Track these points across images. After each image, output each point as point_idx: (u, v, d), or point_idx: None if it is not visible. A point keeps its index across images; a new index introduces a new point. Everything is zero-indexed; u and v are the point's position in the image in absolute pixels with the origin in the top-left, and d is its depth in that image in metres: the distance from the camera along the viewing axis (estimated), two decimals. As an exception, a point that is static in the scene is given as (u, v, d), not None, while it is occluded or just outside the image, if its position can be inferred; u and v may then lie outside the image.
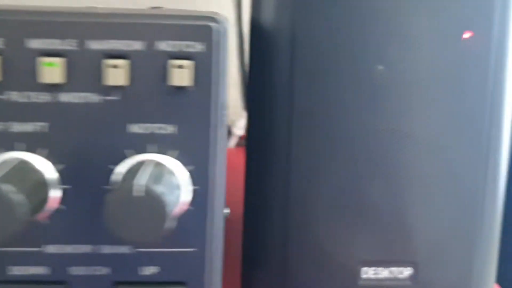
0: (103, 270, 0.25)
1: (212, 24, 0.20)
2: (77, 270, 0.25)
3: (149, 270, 0.25)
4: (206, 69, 0.21)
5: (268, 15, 0.39)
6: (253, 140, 0.41)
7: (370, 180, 0.39)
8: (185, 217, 0.23)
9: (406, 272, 0.41)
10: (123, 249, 0.25)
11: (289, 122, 0.39)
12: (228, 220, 0.55)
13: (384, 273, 0.41)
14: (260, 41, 0.39)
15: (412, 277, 0.41)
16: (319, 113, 0.39)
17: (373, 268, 0.41)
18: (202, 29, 0.20)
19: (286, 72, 0.38)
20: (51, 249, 0.25)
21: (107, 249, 0.25)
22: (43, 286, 0.25)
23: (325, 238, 0.40)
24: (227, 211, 0.36)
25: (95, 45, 0.22)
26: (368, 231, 0.40)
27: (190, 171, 0.22)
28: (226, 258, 0.49)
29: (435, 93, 0.39)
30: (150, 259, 0.25)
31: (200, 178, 0.22)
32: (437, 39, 0.38)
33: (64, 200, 0.24)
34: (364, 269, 0.40)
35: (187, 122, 0.21)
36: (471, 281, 0.42)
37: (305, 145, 0.39)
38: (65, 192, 0.24)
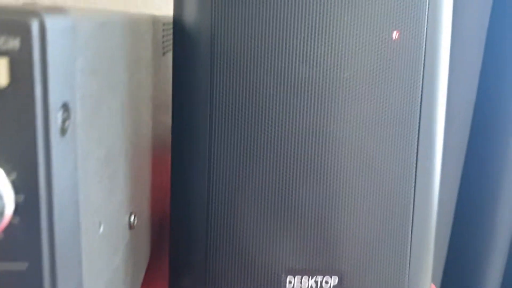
0: None
1: (31, 19, 0.18)
2: None
3: None
4: (25, 67, 0.19)
5: (189, 14, 0.38)
6: (175, 142, 0.40)
7: (295, 184, 0.38)
8: (10, 231, 0.21)
9: (331, 281, 0.39)
10: None
11: (210, 122, 0.38)
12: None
13: (309, 282, 0.39)
14: (182, 39, 0.38)
15: (337, 287, 0.39)
16: (239, 113, 0.37)
17: (298, 277, 0.39)
18: (18, 24, 0.18)
19: (206, 71, 0.37)
20: None
21: None
22: None
23: (248, 245, 0.38)
24: (131, 218, 0.35)
25: None
26: (293, 238, 0.39)
27: (12, 180, 0.20)
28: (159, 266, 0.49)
29: (361, 94, 0.37)
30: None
31: (26, 186, 0.20)
32: (364, 38, 0.37)
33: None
34: (289, 278, 0.39)
35: (6, 125, 0.19)
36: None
37: (225, 147, 0.38)
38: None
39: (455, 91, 0.59)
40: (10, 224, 0.20)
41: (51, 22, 0.18)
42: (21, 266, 0.22)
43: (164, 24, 0.50)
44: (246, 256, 0.38)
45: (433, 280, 0.54)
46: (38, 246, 0.20)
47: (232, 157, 0.37)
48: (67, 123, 0.20)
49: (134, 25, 0.35)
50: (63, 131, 0.20)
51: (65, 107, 0.20)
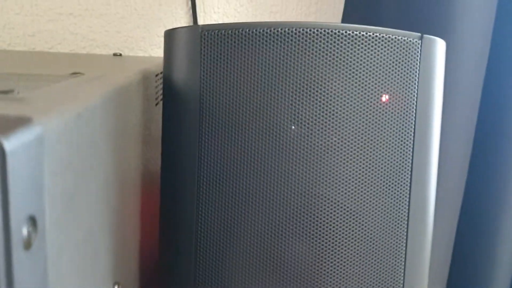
0: None
1: None
2: None
3: None
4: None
5: (178, 71, 0.38)
6: (164, 196, 0.40)
7: (283, 244, 0.38)
8: None
9: None
10: None
11: (198, 179, 0.38)
12: None
13: None
14: (172, 95, 0.39)
15: None
16: (227, 172, 0.37)
17: None
18: None
19: (194, 127, 0.37)
20: None
21: None
22: None
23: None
24: None
25: None
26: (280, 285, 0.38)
27: None
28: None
29: (351, 156, 0.37)
30: None
31: None
32: (354, 100, 0.37)
33: None
34: None
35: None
36: None
37: (213, 206, 0.38)
38: None
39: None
40: None
41: (11, 144, 0.18)
42: None
43: (157, 75, 0.50)
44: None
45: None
46: None
47: (220, 212, 0.37)
48: (33, 236, 0.20)
49: (121, 93, 0.35)
50: (28, 244, 0.20)
51: (32, 221, 0.20)
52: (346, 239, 0.38)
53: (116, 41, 0.75)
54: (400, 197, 0.38)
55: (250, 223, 0.37)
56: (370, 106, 0.37)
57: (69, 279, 0.25)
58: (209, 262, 0.38)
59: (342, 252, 0.38)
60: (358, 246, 0.38)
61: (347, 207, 0.37)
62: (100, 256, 0.31)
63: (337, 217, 0.37)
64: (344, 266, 0.38)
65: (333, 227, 0.37)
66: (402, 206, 0.38)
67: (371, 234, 0.38)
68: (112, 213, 0.33)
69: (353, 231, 0.38)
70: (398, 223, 0.39)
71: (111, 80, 0.35)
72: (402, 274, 0.39)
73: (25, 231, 0.20)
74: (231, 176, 0.37)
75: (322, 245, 0.38)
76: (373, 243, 0.38)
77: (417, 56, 0.38)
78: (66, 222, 0.25)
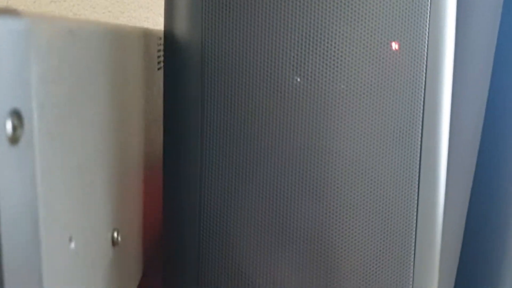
0: None
1: None
2: None
3: None
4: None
5: (179, 28, 0.37)
6: (167, 156, 0.39)
7: (291, 201, 0.36)
8: None
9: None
10: None
11: (202, 137, 0.37)
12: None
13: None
14: (173, 52, 0.38)
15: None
16: (232, 128, 0.36)
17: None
18: None
19: (197, 84, 0.36)
20: None
21: None
22: None
23: (242, 265, 0.37)
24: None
25: None
26: (289, 258, 0.37)
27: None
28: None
29: (359, 106, 0.36)
30: None
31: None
32: (362, 48, 0.35)
33: None
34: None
35: None
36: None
37: (218, 163, 0.36)
38: None
39: (464, 97, 0.57)
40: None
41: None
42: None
43: (160, 39, 0.49)
44: (240, 276, 0.37)
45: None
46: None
47: (225, 173, 0.36)
48: (18, 131, 0.19)
49: (118, 37, 0.34)
50: (14, 139, 0.19)
51: (16, 115, 0.19)
52: (355, 195, 0.36)
53: (120, 21, 0.74)
54: (411, 150, 0.37)
55: (256, 180, 0.36)
56: (379, 53, 0.35)
57: (61, 200, 0.24)
58: (214, 221, 0.37)
59: (351, 209, 0.36)
60: (367, 203, 0.37)
61: (356, 161, 0.36)
62: (96, 194, 0.30)
63: (346, 172, 0.36)
64: (353, 224, 0.37)
65: (342, 182, 0.36)
66: (413, 159, 0.37)
67: (381, 189, 0.37)
68: (109, 153, 0.32)
69: (362, 186, 0.36)
70: (409, 179, 0.37)
71: (109, 24, 0.34)
72: (414, 231, 0.38)
73: (9, 124, 0.19)
74: (235, 132, 0.36)
75: (331, 202, 0.36)
76: (383, 200, 0.37)
77: (427, 2, 0.36)
78: (59, 138, 0.24)
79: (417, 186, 0.37)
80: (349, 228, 0.36)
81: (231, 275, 0.37)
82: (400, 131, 0.36)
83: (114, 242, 0.33)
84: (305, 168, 0.36)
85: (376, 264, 0.37)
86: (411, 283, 0.38)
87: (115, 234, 0.33)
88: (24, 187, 0.20)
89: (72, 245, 0.26)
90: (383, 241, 0.37)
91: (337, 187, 0.36)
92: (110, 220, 0.33)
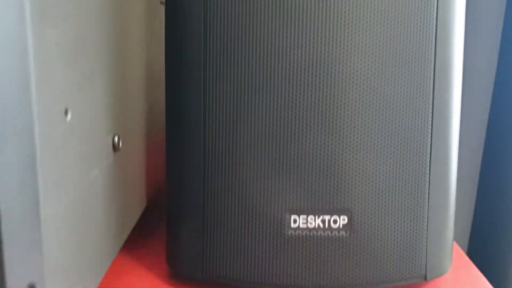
0: None
1: None
2: None
3: None
4: None
5: None
6: (169, 86, 0.37)
7: (300, 121, 0.34)
8: None
9: (340, 221, 0.35)
10: None
11: (204, 62, 0.34)
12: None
13: (316, 222, 0.35)
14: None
15: (347, 227, 0.35)
16: (236, 50, 0.34)
17: (303, 216, 0.35)
18: None
19: (199, 16, 0.34)
20: None
21: None
22: None
23: (248, 183, 0.35)
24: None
25: None
26: (297, 175, 0.35)
27: None
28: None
29: (372, 20, 0.34)
30: None
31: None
32: None
33: None
34: (293, 217, 0.35)
35: None
36: (418, 236, 0.36)
37: (221, 86, 0.34)
38: None
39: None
40: None
41: None
42: None
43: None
44: (247, 196, 0.35)
45: (459, 243, 0.49)
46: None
47: (230, 97, 0.34)
48: None
49: None
50: None
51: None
52: (366, 111, 0.34)
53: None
54: (425, 68, 0.35)
55: (263, 99, 0.34)
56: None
57: (56, 71, 0.23)
58: (219, 142, 0.35)
59: (363, 126, 0.35)
60: (379, 118, 0.35)
61: (368, 77, 0.34)
62: (94, 79, 0.28)
63: (358, 89, 0.34)
64: (365, 141, 0.35)
65: (353, 99, 0.34)
66: (427, 77, 0.35)
67: (395, 113, 0.34)
68: (112, 51, 0.30)
69: (373, 103, 0.34)
70: (424, 103, 0.35)
71: None
72: (429, 150, 0.35)
73: None
74: (239, 54, 0.34)
75: (342, 117, 0.34)
76: (396, 115, 0.35)
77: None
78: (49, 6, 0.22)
79: (431, 101, 0.35)
80: (360, 145, 0.35)
81: (237, 195, 0.35)
82: (414, 48, 0.35)
83: (115, 147, 0.31)
84: (315, 85, 0.34)
85: (388, 182, 0.35)
86: (426, 208, 0.36)
87: (116, 139, 0.31)
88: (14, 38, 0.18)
89: (68, 117, 0.24)
90: (397, 158, 0.35)
91: (349, 104, 0.34)
92: (111, 121, 0.31)
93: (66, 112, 0.25)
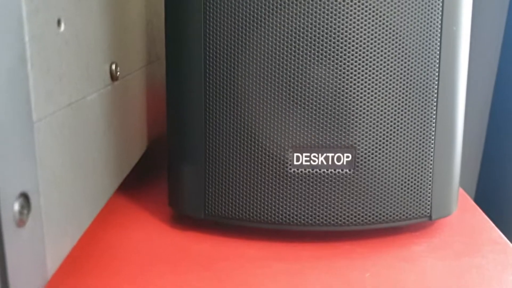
0: None
1: None
2: None
3: None
4: None
5: None
6: (168, 15, 0.36)
7: (304, 56, 0.33)
8: None
9: (344, 158, 0.34)
10: None
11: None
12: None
13: (319, 159, 0.34)
14: None
15: (350, 164, 0.34)
16: None
17: (306, 154, 0.34)
18: None
19: None
20: None
21: None
22: None
23: (249, 121, 0.34)
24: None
25: None
26: (300, 112, 0.34)
27: None
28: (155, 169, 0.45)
29: None
30: None
31: None
32: None
33: None
34: (296, 155, 0.34)
35: None
36: (424, 175, 0.35)
37: (222, 13, 0.33)
38: None
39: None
40: None
41: None
42: None
43: None
44: (249, 134, 0.34)
45: (467, 190, 0.49)
46: None
47: (231, 28, 0.33)
48: None
49: None
50: None
51: None
52: (370, 43, 0.33)
53: None
54: (433, 9, 0.33)
55: (265, 29, 0.33)
56: None
57: None
58: (220, 75, 0.34)
59: (365, 60, 0.33)
60: (383, 51, 0.34)
61: (379, 21, 0.33)
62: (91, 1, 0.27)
63: (363, 20, 0.33)
64: (368, 76, 0.34)
65: (358, 31, 0.33)
66: (436, 8, 0.34)
67: (401, 50, 0.33)
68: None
69: (378, 34, 0.33)
70: (431, 27, 0.34)
71: None
72: (436, 86, 0.35)
73: None
74: None
75: (344, 51, 0.33)
76: (402, 49, 0.34)
77: None
78: None
79: (439, 34, 0.34)
80: (364, 80, 0.34)
81: (238, 133, 0.34)
82: None
83: (112, 76, 0.30)
84: (319, 17, 0.33)
85: (394, 119, 0.34)
86: (432, 147, 0.35)
87: (114, 67, 0.30)
88: None
89: (62, 28, 0.23)
90: (402, 93, 0.34)
91: (352, 36, 0.33)
92: (107, 46, 0.30)
93: (59, 22, 0.24)
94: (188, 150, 0.36)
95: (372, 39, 0.33)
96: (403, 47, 0.33)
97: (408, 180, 0.35)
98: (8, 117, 0.19)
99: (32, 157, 0.21)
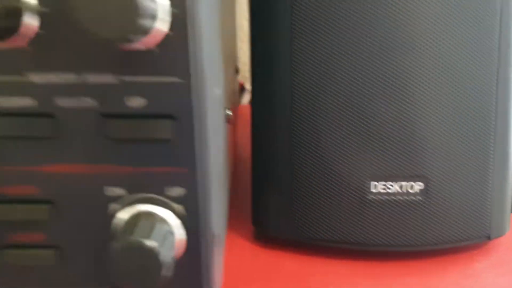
0: (89, 102, 0.24)
1: None
2: (63, 102, 0.24)
3: (136, 102, 0.24)
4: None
5: None
6: (255, 48, 0.41)
7: (377, 95, 0.38)
8: (167, 44, 0.22)
9: (416, 186, 0.39)
10: (109, 78, 0.24)
11: (291, 39, 0.38)
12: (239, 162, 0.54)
13: (394, 187, 0.39)
14: None
15: (423, 192, 0.39)
16: (320, 26, 0.37)
17: (383, 183, 0.39)
18: None
19: None
20: (35, 78, 0.24)
21: (92, 78, 0.24)
22: (30, 118, 0.24)
23: (331, 154, 0.39)
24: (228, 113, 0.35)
25: None
26: (376, 145, 0.39)
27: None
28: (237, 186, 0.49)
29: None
30: (137, 91, 0.24)
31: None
32: None
33: (43, 25, 0.23)
34: (373, 184, 0.39)
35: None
36: (484, 197, 0.40)
37: (307, 60, 0.37)
38: (43, 16, 0.23)
39: None
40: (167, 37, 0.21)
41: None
42: (173, 79, 0.22)
43: None
44: (330, 167, 0.39)
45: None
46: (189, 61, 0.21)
47: (313, 74, 0.37)
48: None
49: None
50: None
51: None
52: (436, 83, 0.37)
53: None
54: (490, 36, 0.38)
55: (342, 73, 0.37)
56: None
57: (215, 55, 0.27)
58: (303, 114, 0.38)
59: (433, 97, 0.38)
60: (448, 89, 0.38)
61: (438, 50, 0.37)
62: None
63: (430, 66, 0.37)
64: (435, 111, 0.38)
65: (426, 77, 0.37)
66: (493, 46, 0.38)
67: (461, 76, 0.38)
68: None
69: (443, 74, 0.38)
70: (489, 69, 0.38)
71: None
72: (493, 117, 0.39)
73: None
74: (322, 31, 0.37)
75: (414, 90, 0.37)
76: (464, 86, 0.38)
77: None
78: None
79: (496, 73, 0.39)
80: (431, 115, 0.38)
81: (321, 169, 0.39)
82: (478, 20, 0.37)
83: (228, 119, 0.35)
84: (390, 64, 0.37)
85: (457, 150, 0.39)
86: (491, 174, 0.40)
87: (228, 111, 0.35)
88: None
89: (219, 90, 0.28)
90: (464, 126, 0.38)
91: (419, 76, 0.37)
92: (224, 97, 0.34)
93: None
94: (273, 174, 0.40)
95: (437, 75, 0.37)
96: (465, 81, 0.38)
97: (472, 204, 0.40)
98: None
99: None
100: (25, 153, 0.25)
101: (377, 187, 0.39)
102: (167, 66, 0.23)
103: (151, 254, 0.22)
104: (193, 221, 0.25)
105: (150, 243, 0.23)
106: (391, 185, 0.39)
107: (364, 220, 0.39)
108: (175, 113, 0.24)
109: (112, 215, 0.25)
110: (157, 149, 0.25)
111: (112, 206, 0.25)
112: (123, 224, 0.24)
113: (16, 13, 0.21)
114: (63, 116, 0.24)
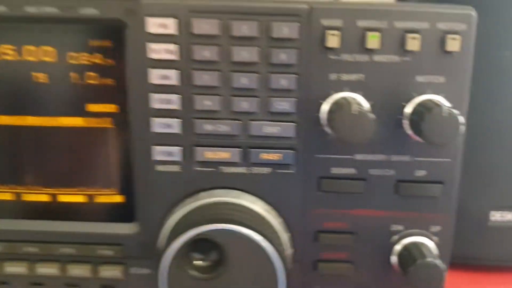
0: (390, 172, 0.38)
1: (472, 12, 0.34)
2: (374, 171, 0.39)
3: (420, 173, 0.38)
4: (468, 42, 0.35)
5: None
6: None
7: (496, 143, 0.47)
8: None
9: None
10: (405, 158, 0.38)
11: None
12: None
13: (509, 216, 0.51)
14: None
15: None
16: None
17: (500, 212, 0.52)
18: (465, 15, 0.35)
19: None
20: (358, 157, 0.38)
21: (395, 158, 0.38)
22: (352, 182, 0.39)
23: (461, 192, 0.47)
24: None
25: (400, 25, 0.36)
26: (496, 183, 0.49)
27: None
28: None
29: None
30: (421, 165, 0.38)
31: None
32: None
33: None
34: (492, 212, 0.51)
35: (453, 75, 0.35)
36: None
37: None
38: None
39: None
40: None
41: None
42: (445, 160, 0.37)
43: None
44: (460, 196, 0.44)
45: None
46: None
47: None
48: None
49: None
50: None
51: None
52: None
53: None
54: None
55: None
56: None
57: None
58: None
59: None
60: None
61: None
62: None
63: None
64: None
65: None
66: None
67: None
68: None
69: None
70: None
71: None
72: None
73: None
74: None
75: None
76: None
77: None
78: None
79: None
80: None
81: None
82: None
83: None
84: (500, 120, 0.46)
85: None
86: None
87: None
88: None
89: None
90: None
91: None
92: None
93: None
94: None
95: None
96: None
97: None
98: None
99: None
100: (342, 202, 0.39)
101: (496, 215, 0.49)
102: (438, 152, 0.38)
103: (438, 270, 0.37)
104: (442, 249, 0.40)
105: (438, 261, 0.37)
106: (506, 214, 0.51)
107: (484, 241, 0.49)
108: (444, 180, 0.39)
109: (393, 243, 0.40)
110: (428, 202, 0.39)
111: (393, 237, 0.40)
112: (408, 250, 0.38)
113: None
114: (373, 180, 0.39)
